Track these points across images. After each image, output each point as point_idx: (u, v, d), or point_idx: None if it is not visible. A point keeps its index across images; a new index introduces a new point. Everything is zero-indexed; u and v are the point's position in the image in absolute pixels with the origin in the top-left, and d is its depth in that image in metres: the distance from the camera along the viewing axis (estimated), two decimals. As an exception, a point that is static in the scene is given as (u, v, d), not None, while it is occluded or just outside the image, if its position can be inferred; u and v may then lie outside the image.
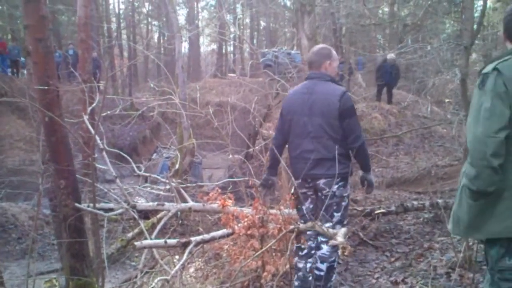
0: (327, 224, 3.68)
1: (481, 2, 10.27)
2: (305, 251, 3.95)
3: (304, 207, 3.94)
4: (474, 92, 2.41)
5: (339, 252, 3.12)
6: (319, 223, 3.58)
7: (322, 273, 3.78)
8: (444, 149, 11.55)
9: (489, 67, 2.34)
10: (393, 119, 15.25)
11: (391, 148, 13.37)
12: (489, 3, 7.85)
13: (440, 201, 6.17)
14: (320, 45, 4.31)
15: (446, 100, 17.73)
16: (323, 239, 3.78)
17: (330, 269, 3.79)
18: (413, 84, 17.15)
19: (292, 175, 3.95)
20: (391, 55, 16.30)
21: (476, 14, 10.01)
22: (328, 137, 3.77)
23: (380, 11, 22.50)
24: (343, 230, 2.89)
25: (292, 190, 4.08)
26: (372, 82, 16.28)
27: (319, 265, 3.79)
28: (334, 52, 4.11)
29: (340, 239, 2.62)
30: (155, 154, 17.40)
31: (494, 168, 2.23)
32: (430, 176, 9.16)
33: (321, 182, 3.79)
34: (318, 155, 3.78)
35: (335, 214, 3.80)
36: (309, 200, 3.96)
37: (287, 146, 4.11)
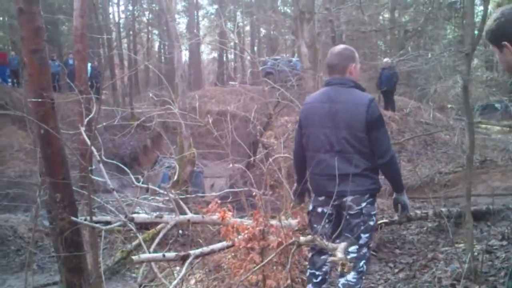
0: (353, 247, 3.40)
1: (482, 7, 10.25)
2: (320, 277, 3.62)
3: (319, 227, 3.57)
4: None
5: (339, 268, 2.94)
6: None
7: None
8: (447, 156, 11.48)
9: None
10: (395, 126, 15.16)
11: (393, 156, 13.30)
12: (490, 8, 7.78)
13: (443, 209, 6.10)
14: (341, 46, 3.87)
15: (449, 106, 17.74)
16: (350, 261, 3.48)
17: None
18: (415, 91, 17.13)
19: (313, 192, 3.71)
20: (386, 60, 16.27)
21: (477, 19, 9.96)
22: (355, 151, 3.43)
23: (381, 17, 22.50)
24: (343, 245, 2.76)
25: (310, 207, 3.75)
26: (374, 89, 16.21)
27: None
28: (357, 54, 3.73)
29: (340, 255, 2.52)
30: (156, 164, 17.36)
31: None
32: (433, 184, 9.09)
33: (349, 199, 3.43)
34: (344, 171, 3.37)
35: (362, 235, 3.45)
36: (328, 220, 3.58)
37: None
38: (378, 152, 3.43)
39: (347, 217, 3.45)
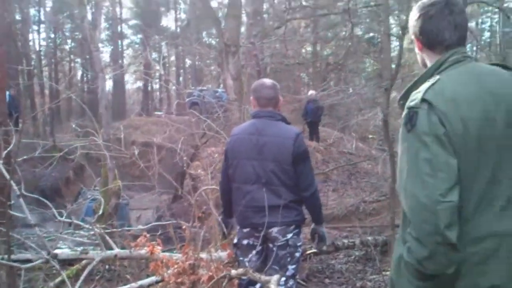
0: (281, 280, 3.31)
1: (398, 43, 10.79)
2: None
3: (246, 260, 3.60)
4: (401, 134, 1.78)
5: None
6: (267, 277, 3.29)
7: None
8: (371, 185, 11.80)
9: (415, 98, 1.75)
10: (320, 156, 15.47)
11: (319, 186, 13.51)
12: (405, 44, 8.17)
13: (370, 238, 6.24)
14: (269, 80, 3.89)
15: (370, 136, 18.36)
16: None
17: None
18: (337, 122, 17.63)
19: (238, 224, 3.70)
20: (311, 92, 16.73)
21: (394, 53, 10.45)
22: (281, 184, 3.46)
23: (303, 51, 23.15)
24: (276, 277, 2.76)
25: (236, 240, 3.74)
26: (298, 121, 16.54)
27: None
28: None
29: (273, 286, 2.51)
30: (79, 196, 16.79)
31: (452, 244, 1.61)
32: (358, 212, 9.30)
33: (274, 230, 3.46)
34: (270, 203, 3.40)
35: (289, 267, 3.49)
36: (254, 252, 3.59)
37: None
38: (302, 185, 3.49)
39: (274, 248, 3.48)
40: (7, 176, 4.33)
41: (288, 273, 3.47)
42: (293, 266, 3.51)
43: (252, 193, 3.51)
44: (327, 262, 6.15)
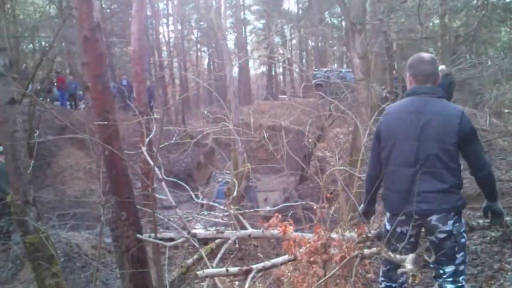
0: (450, 268, 3.24)
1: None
2: None
3: (398, 246, 3.29)
4: None
5: (410, 280, 2.85)
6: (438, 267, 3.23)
7: None
8: (507, 163, 11.11)
9: None
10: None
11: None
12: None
13: (508, 218, 5.92)
14: (427, 54, 3.53)
15: (506, 111, 17.20)
16: (448, 278, 3.27)
17: None
18: (469, 97, 16.67)
19: (390, 211, 3.45)
20: (441, 67, 15.97)
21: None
22: (443, 167, 3.18)
23: (431, 24, 22.13)
24: (412, 256, 2.71)
25: (388, 227, 3.48)
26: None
27: None
28: None
29: (409, 266, 2.47)
30: (210, 180, 17.58)
31: None
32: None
33: (434, 218, 3.20)
34: (429, 188, 3.17)
35: (457, 255, 3.25)
36: (406, 241, 3.33)
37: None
38: (476, 165, 3.25)
39: (436, 241, 3.24)
40: (151, 162, 4.69)
41: (457, 261, 3.26)
42: (461, 253, 3.28)
43: (411, 177, 3.24)
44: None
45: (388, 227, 3.49)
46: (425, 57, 3.44)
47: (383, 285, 3.60)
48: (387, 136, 3.39)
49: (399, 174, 3.32)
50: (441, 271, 3.29)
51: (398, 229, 3.38)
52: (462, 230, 3.28)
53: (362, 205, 3.86)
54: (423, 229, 3.42)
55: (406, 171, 3.27)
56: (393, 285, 3.54)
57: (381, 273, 3.68)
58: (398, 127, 3.33)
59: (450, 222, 3.20)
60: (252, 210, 6.94)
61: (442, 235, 3.22)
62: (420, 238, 3.54)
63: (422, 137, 3.21)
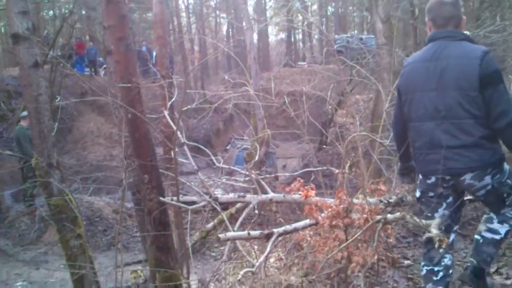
0: (442, 222, 2.95)
1: None
2: (441, 273, 3.11)
3: (436, 215, 3.05)
4: None
5: (436, 245, 2.65)
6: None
7: (497, 236, 3.06)
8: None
9: None
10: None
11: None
12: None
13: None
14: None
15: (530, 78, 16.83)
16: (494, 225, 3.05)
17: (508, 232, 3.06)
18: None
19: (419, 172, 3.18)
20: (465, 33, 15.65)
21: None
22: (468, 116, 2.84)
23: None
24: (437, 220, 2.65)
25: (418, 193, 3.23)
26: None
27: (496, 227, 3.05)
28: None
29: (434, 230, 2.42)
30: (229, 146, 17.65)
31: None
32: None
33: (467, 178, 2.90)
34: (456, 142, 2.86)
35: (507, 200, 2.99)
36: (444, 205, 3.06)
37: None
38: (493, 113, 2.82)
39: (478, 198, 3.06)
40: (173, 126, 4.70)
41: (508, 202, 3.00)
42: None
43: (432, 132, 2.96)
44: (483, 210, 5.89)
45: (417, 193, 3.24)
46: None
47: (424, 270, 3.23)
48: (406, 89, 3.15)
49: (421, 130, 3.04)
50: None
51: (430, 193, 3.08)
52: (505, 179, 2.96)
53: (398, 164, 3.64)
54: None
55: (428, 125, 2.99)
56: (436, 268, 3.14)
57: (422, 258, 3.30)
58: (416, 78, 3.07)
59: (488, 177, 2.90)
60: (272, 176, 6.95)
61: (482, 192, 2.97)
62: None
63: (440, 86, 2.92)
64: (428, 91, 2.96)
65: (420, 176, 3.17)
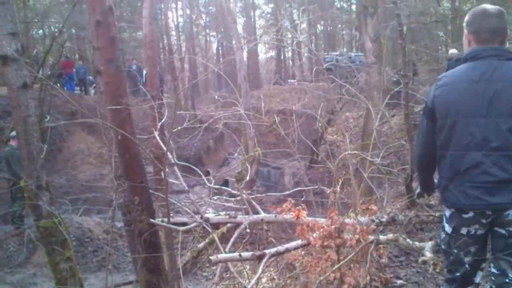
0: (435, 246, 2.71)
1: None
2: None
3: (462, 253, 2.74)
4: None
5: (430, 269, 2.57)
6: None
7: None
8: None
9: None
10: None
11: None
12: None
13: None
14: (492, 6, 2.76)
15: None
16: None
17: None
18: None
19: (450, 206, 2.79)
20: (452, 51, 15.85)
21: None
22: None
23: (441, 8, 21.90)
24: (431, 243, 2.60)
25: (448, 228, 2.82)
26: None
27: None
28: None
29: (429, 254, 2.38)
30: (223, 165, 17.66)
31: None
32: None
33: (511, 213, 2.56)
34: (504, 176, 2.53)
35: None
36: (474, 243, 2.72)
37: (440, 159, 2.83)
38: None
39: (506, 234, 2.62)
40: (163, 146, 4.68)
41: None
42: None
43: (480, 163, 2.60)
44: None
45: (447, 228, 2.83)
46: (490, 9, 2.72)
47: None
48: (445, 113, 2.71)
49: (464, 160, 2.66)
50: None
51: (464, 230, 2.72)
52: None
53: (418, 189, 3.27)
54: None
55: (473, 156, 2.62)
56: None
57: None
58: (460, 102, 2.65)
59: None
60: (264, 195, 6.93)
61: None
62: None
63: (492, 112, 2.56)
64: (476, 116, 2.61)
65: (453, 210, 2.79)
